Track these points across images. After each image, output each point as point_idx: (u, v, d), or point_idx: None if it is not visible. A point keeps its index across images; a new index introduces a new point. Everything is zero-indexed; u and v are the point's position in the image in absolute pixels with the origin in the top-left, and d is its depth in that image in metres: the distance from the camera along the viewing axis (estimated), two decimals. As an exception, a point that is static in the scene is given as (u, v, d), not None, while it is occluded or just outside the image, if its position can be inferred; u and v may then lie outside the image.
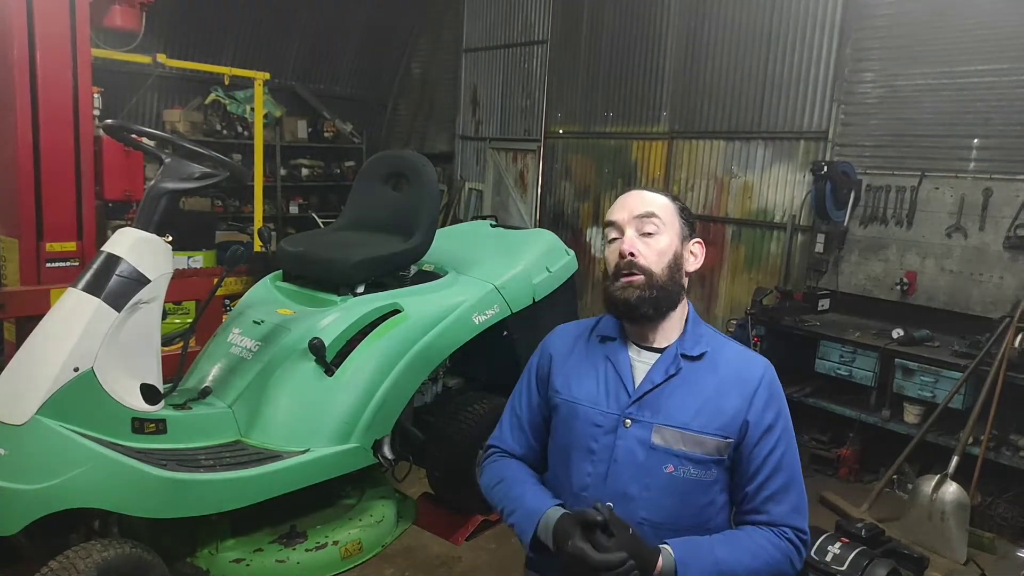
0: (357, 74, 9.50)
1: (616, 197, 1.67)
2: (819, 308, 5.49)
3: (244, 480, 2.66)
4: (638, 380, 1.59)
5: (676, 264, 1.59)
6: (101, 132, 3.94)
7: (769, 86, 6.04)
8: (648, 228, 1.58)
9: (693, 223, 1.67)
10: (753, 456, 1.54)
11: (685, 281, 1.63)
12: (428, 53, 9.56)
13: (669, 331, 1.62)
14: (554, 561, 1.53)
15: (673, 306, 1.61)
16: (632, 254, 1.56)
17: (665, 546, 1.47)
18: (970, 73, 4.90)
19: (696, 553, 1.48)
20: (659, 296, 1.56)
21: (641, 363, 1.61)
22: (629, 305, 1.56)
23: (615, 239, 1.61)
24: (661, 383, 1.57)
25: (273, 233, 3.83)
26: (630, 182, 7.13)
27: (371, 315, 3.15)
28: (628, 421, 1.56)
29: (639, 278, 1.56)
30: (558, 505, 1.58)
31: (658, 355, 1.60)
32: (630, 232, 1.59)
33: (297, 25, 8.63)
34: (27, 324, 3.06)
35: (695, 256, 1.65)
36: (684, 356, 1.59)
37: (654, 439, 1.54)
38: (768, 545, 1.52)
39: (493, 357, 3.71)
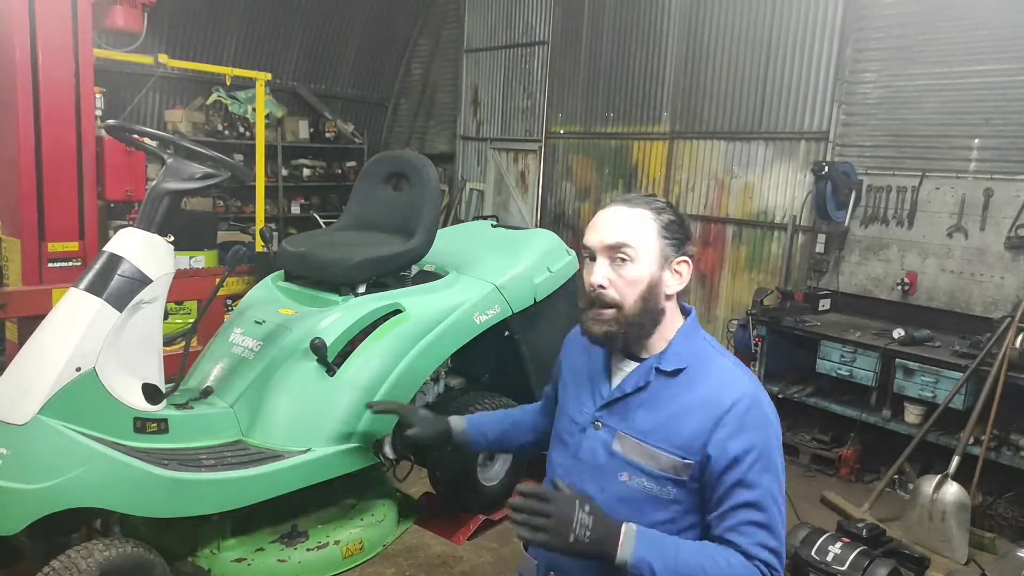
0: (358, 74, 9.51)
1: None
2: (820, 308, 5.49)
3: (246, 480, 2.66)
4: (615, 387, 1.60)
5: (651, 293, 1.52)
6: (103, 132, 3.95)
7: (770, 87, 6.04)
8: (621, 256, 1.52)
9: (683, 237, 1.56)
10: (718, 485, 1.46)
11: (664, 306, 1.56)
12: (429, 53, 9.57)
13: (653, 345, 1.59)
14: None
15: (648, 334, 1.57)
16: (601, 286, 1.52)
17: (630, 523, 1.44)
18: (970, 73, 4.90)
19: (657, 541, 1.43)
20: (629, 331, 1.53)
21: (621, 371, 1.61)
22: (597, 340, 1.56)
23: (589, 259, 1.57)
24: (630, 394, 1.56)
25: (275, 233, 3.84)
26: (631, 182, 7.13)
27: (372, 315, 3.15)
28: (598, 424, 1.59)
29: (609, 312, 1.52)
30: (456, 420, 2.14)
31: (637, 365, 1.59)
32: (601, 261, 1.53)
33: (298, 25, 8.64)
34: (29, 324, 3.06)
35: (679, 276, 1.56)
36: (658, 371, 1.55)
37: (615, 446, 1.55)
38: (739, 564, 1.42)
39: (494, 357, 3.71)
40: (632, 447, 1.53)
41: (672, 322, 1.59)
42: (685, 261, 1.56)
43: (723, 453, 1.45)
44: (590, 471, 1.57)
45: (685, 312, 1.63)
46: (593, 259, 1.55)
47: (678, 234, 1.55)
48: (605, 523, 1.43)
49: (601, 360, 1.65)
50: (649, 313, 1.54)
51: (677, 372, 1.54)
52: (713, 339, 1.65)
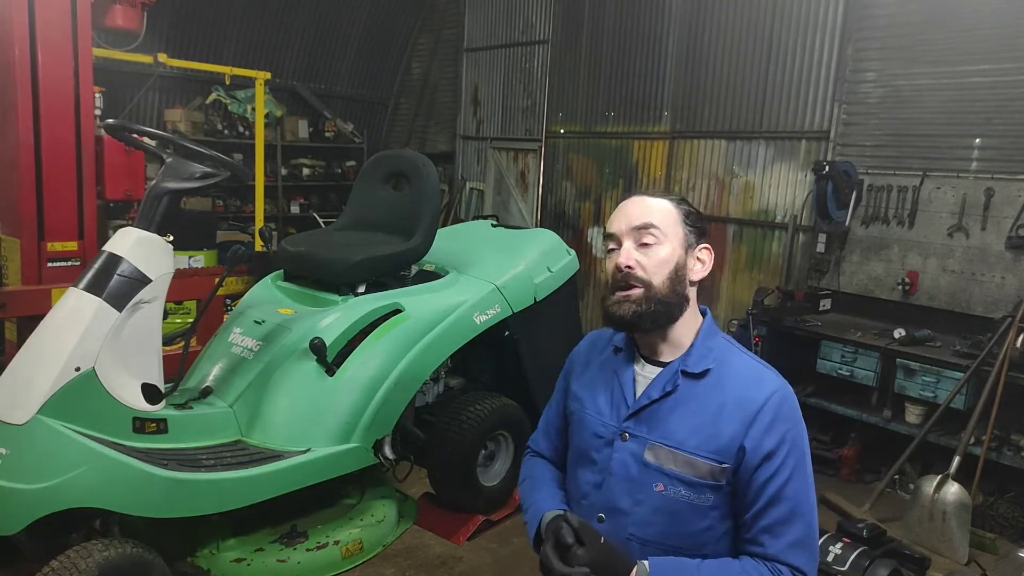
0: (358, 74, 9.50)
1: (618, 197, 1.63)
2: (820, 308, 5.48)
3: (245, 480, 2.66)
4: (639, 395, 1.56)
5: (678, 275, 1.51)
6: (102, 132, 3.94)
7: (770, 86, 6.03)
8: (646, 239, 1.51)
9: (702, 227, 1.57)
10: (751, 483, 1.45)
11: (690, 291, 1.56)
12: (429, 53, 9.56)
13: (677, 344, 1.56)
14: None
15: (674, 319, 1.53)
16: (629, 267, 1.50)
17: (643, 562, 1.44)
18: (971, 73, 4.89)
19: (674, 572, 1.43)
20: (658, 310, 1.50)
21: (644, 377, 1.57)
22: (625, 321, 1.51)
23: (613, 249, 1.55)
24: (658, 399, 1.52)
25: (274, 233, 3.84)
26: (631, 182, 7.12)
27: (372, 315, 3.16)
28: (625, 435, 1.54)
29: (637, 291, 1.49)
30: (562, 510, 1.58)
31: (661, 370, 1.55)
32: (627, 244, 1.52)
33: (297, 25, 8.63)
34: (28, 324, 3.06)
35: (702, 263, 1.56)
36: (685, 373, 1.52)
37: (647, 456, 1.51)
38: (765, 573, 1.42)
39: (494, 357, 3.71)
40: (667, 456, 1.49)
41: (694, 317, 1.58)
42: (707, 248, 1.57)
43: (757, 448, 1.44)
44: (623, 485, 1.53)
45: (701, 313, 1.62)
46: (618, 246, 1.54)
47: (698, 223, 1.57)
48: (614, 569, 1.41)
49: (617, 369, 1.61)
50: (677, 295, 1.52)
51: (704, 373, 1.51)
52: (731, 338, 1.62)
